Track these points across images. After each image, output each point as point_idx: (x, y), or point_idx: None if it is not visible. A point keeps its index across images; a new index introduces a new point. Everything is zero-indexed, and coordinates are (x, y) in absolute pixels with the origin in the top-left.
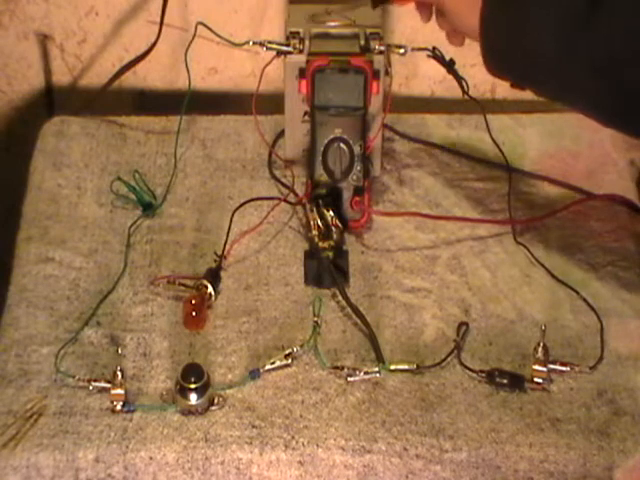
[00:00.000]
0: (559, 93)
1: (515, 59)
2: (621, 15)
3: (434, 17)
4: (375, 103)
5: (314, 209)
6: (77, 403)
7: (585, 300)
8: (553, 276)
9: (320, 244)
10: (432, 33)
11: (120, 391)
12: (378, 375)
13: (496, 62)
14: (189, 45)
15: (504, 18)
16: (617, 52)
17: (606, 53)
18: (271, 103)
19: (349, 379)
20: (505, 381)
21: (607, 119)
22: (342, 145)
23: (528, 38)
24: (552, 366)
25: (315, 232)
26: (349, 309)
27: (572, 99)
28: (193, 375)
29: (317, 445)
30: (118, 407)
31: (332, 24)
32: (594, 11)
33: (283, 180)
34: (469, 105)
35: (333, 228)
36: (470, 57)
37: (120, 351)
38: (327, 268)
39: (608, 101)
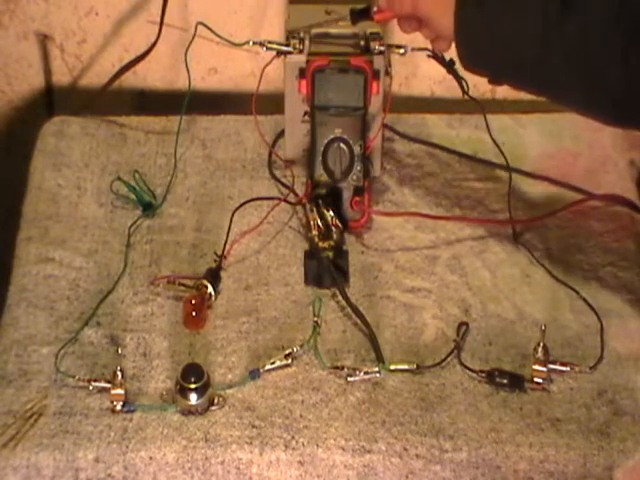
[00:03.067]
0: (537, 88)
1: (490, 56)
2: (590, 12)
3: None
4: (375, 103)
5: (314, 209)
6: (77, 403)
7: (585, 300)
8: (553, 276)
9: (320, 244)
10: None
11: (120, 391)
12: (378, 375)
13: (472, 59)
14: (189, 45)
15: (478, 16)
16: (589, 49)
17: (580, 49)
18: (271, 103)
19: (349, 379)
20: (505, 381)
21: (584, 110)
22: (342, 145)
23: (502, 35)
24: (552, 366)
25: (315, 232)
26: (349, 309)
27: (550, 93)
28: (193, 375)
29: (317, 445)
30: (118, 407)
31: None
32: (565, 9)
33: (283, 180)
34: (469, 105)
35: (333, 228)
36: None
37: (120, 351)
38: (327, 268)
39: (583, 93)
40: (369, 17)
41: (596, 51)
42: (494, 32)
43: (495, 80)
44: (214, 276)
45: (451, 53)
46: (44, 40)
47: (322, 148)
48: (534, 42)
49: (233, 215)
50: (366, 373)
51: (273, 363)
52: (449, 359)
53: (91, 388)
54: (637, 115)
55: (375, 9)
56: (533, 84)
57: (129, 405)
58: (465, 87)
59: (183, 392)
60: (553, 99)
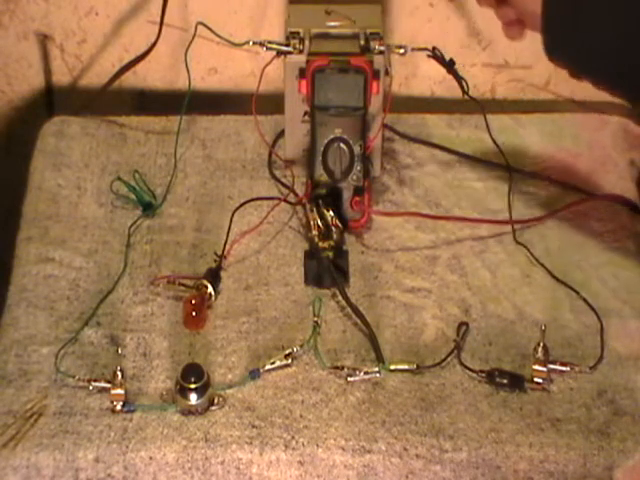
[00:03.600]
0: (624, 87)
1: (577, 43)
2: None
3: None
4: (375, 103)
5: (314, 209)
6: (77, 403)
7: (585, 300)
8: (553, 276)
9: (320, 244)
10: (432, 33)
11: (120, 391)
12: (378, 375)
13: (555, 49)
14: (189, 45)
15: (568, 6)
16: None
17: None
18: (271, 103)
19: (349, 379)
20: (505, 381)
21: None
22: (342, 145)
23: (589, 27)
24: (552, 366)
25: (315, 232)
26: (349, 309)
27: (633, 92)
28: (193, 375)
29: (317, 445)
30: (118, 407)
31: (332, 24)
32: None
33: (283, 180)
34: (469, 105)
35: (333, 228)
36: (470, 57)
37: (120, 351)
38: (327, 268)
39: None
40: None
41: None
42: (585, 15)
43: (577, 74)
44: (214, 276)
45: (451, 53)
46: (44, 40)
47: (322, 148)
48: (628, 29)
49: (233, 215)
50: (366, 373)
51: (273, 363)
52: (449, 359)
53: (91, 388)
54: None
55: None
56: (620, 80)
57: (129, 405)
58: (465, 87)
59: (183, 392)
60: (633, 98)
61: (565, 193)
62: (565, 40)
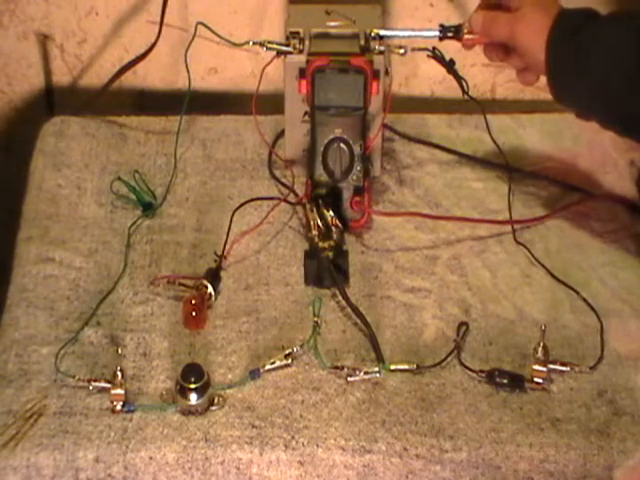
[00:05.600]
0: (627, 126)
1: (580, 90)
2: None
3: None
4: (375, 103)
5: (314, 209)
6: (77, 403)
7: (585, 300)
8: (553, 276)
9: (320, 244)
10: None
11: (120, 391)
12: (378, 375)
13: (562, 93)
14: (189, 45)
15: (572, 47)
16: None
17: None
18: (271, 103)
19: (349, 379)
20: (505, 381)
21: None
22: (342, 145)
23: (594, 68)
24: (552, 366)
25: (315, 232)
26: (349, 309)
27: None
28: (193, 375)
29: (317, 445)
30: (118, 407)
31: (332, 24)
32: None
33: (283, 180)
34: (469, 105)
35: (333, 228)
36: (470, 57)
37: (120, 351)
38: (327, 268)
39: None
40: (458, 38)
41: None
42: (586, 64)
43: (584, 115)
44: (214, 276)
45: (451, 53)
46: (44, 40)
47: (322, 148)
48: (627, 75)
49: (233, 215)
50: (366, 373)
51: (273, 363)
52: (449, 359)
53: (91, 388)
54: None
55: (466, 30)
56: (623, 122)
57: (129, 405)
58: (465, 87)
59: (183, 392)
60: None
61: (565, 193)
62: (570, 86)
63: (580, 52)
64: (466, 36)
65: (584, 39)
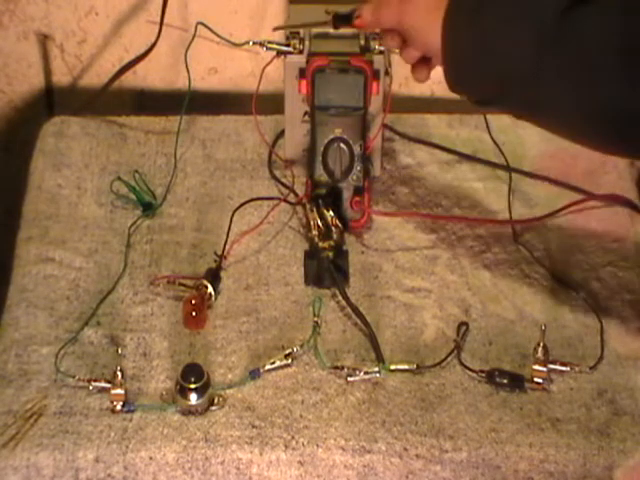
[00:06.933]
0: (526, 110)
1: (479, 73)
2: (591, 27)
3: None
4: (375, 103)
5: (314, 209)
6: (77, 403)
7: (585, 300)
8: (553, 276)
9: (320, 244)
10: None
11: (120, 391)
12: (378, 375)
13: (459, 77)
14: (189, 45)
15: (469, 34)
16: (587, 62)
17: (577, 63)
18: (271, 103)
19: (349, 379)
20: (505, 381)
21: (579, 134)
22: (342, 145)
23: (495, 55)
24: (552, 366)
25: (315, 232)
26: (349, 309)
27: (541, 116)
28: (193, 375)
29: (317, 445)
30: (118, 407)
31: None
32: (564, 24)
33: (283, 180)
34: (469, 105)
35: (333, 228)
36: None
37: (120, 351)
38: (327, 268)
39: (579, 115)
40: (350, 23)
41: (596, 64)
42: (486, 45)
43: (482, 102)
44: (214, 276)
45: None
46: (44, 40)
47: (322, 148)
48: (527, 56)
49: (233, 215)
50: (366, 373)
51: (273, 363)
52: (449, 359)
53: (91, 388)
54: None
55: (356, 14)
56: (523, 105)
57: (129, 405)
58: None
59: (183, 392)
60: (544, 123)
61: (565, 193)
62: (467, 69)
63: (481, 31)
64: (356, 21)
65: (486, 17)
